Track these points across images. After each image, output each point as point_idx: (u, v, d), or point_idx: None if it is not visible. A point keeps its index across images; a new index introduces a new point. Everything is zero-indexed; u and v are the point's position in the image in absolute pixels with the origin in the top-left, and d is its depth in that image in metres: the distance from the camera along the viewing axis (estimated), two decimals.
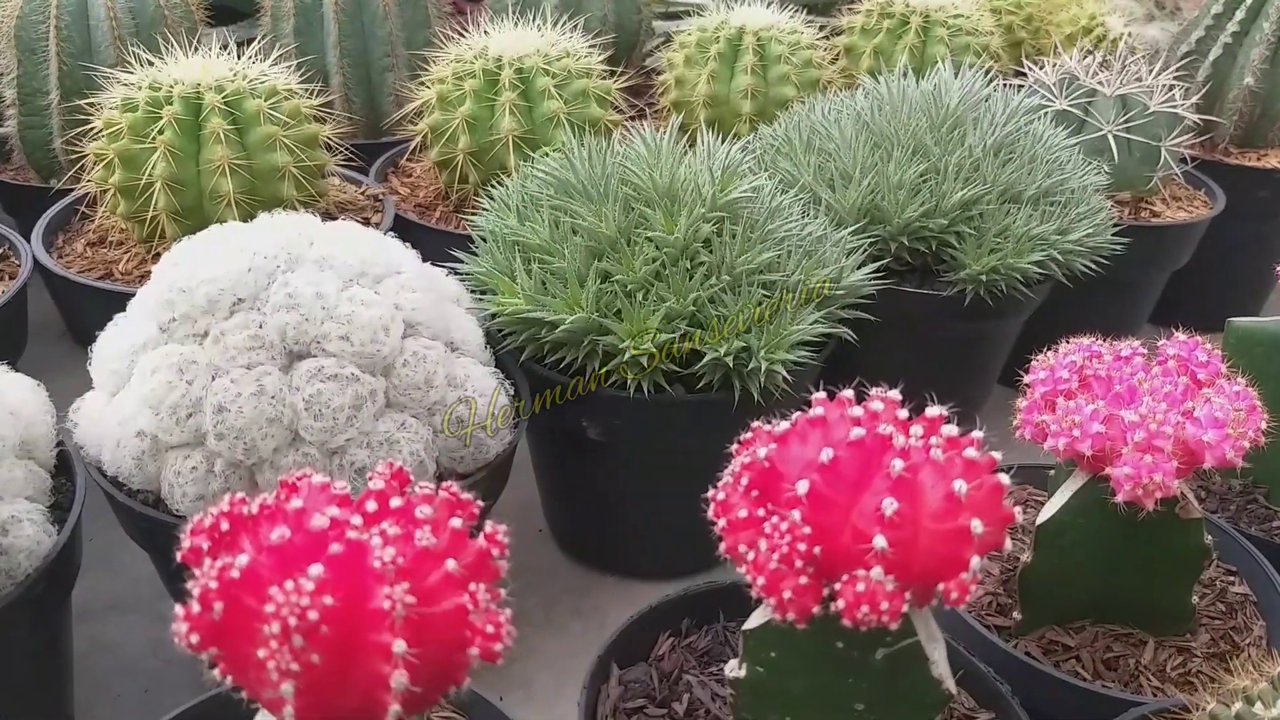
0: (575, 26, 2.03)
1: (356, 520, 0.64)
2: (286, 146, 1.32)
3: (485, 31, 1.57)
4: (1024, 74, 1.77)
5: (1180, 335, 0.94)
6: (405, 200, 1.61)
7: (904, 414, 0.73)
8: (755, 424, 0.75)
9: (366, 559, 0.60)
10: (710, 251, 1.16)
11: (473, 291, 1.21)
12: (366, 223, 1.49)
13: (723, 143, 1.29)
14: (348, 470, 0.93)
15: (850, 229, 1.33)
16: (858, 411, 0.70)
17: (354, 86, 1.81)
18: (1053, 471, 1.11)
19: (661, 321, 1.12)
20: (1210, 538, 0.93)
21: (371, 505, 0.66)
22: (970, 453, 0.68)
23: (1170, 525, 0.90)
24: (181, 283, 0.93)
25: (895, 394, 0.75)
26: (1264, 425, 0.86)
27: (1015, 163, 1.39)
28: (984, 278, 1.33)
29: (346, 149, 1.51)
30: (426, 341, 0.99)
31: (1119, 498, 0.84)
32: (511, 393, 1.08)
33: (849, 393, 0.74)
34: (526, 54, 1.50)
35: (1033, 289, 1.37)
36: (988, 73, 1.97)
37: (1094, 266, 1.41)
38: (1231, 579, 1.06)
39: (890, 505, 0.64)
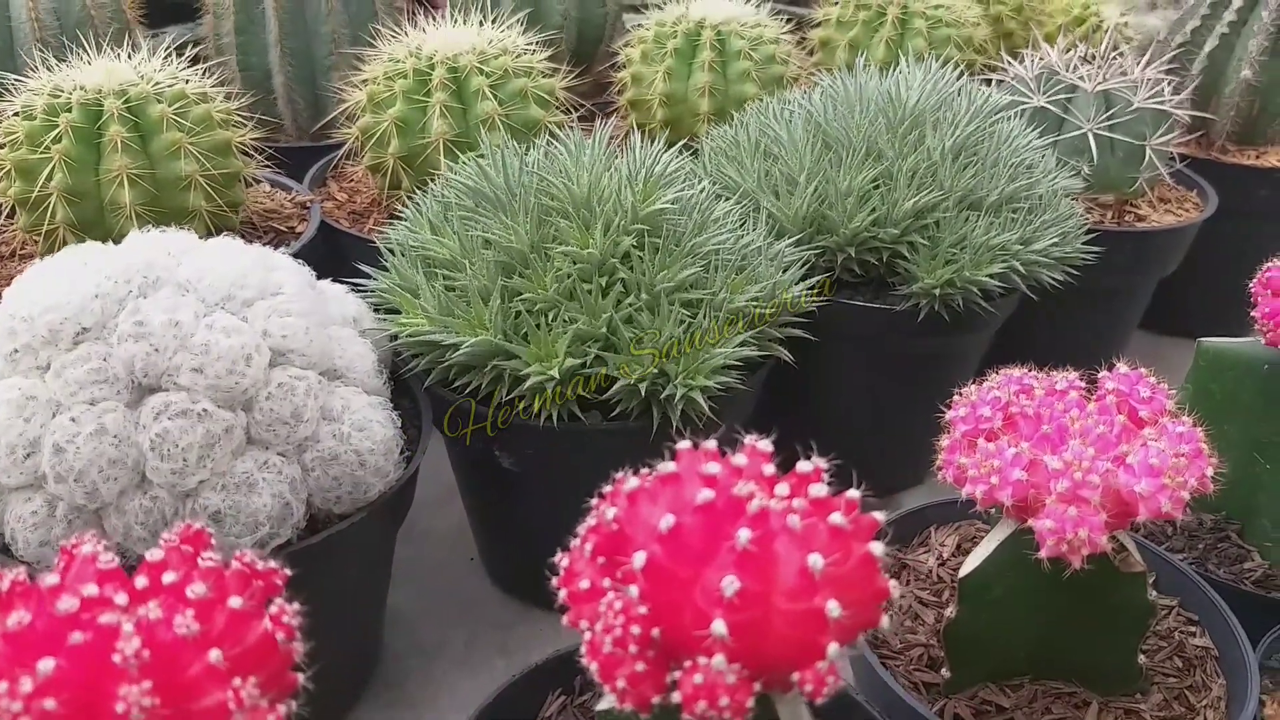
0: (536, 22, 1.95)
1: (121, 599, 0.56)
2: (193, 154, 1.24)
3: (422, 29, 1.48)
4: (1019, 63, 1.66)
5: (1122, 366, 0.84)
6: (340, 207, 1.53)
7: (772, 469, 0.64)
8: (619, 476, 0.67)
9: (113, 650, 0.52)
10: (630, 268, 1.07)
11: (377, 309, 1.13)
12: (291, 232, 1.41)
13: (676, 144, 1.20)
14: (201, 515, 0.85)
15: (793, 239, 1.24)
16: (713, 468, 0.61)
17: (297, 86, 1.73)
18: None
19: (571, 344, 1.03)
20: (1154, 594, 0.83)
21: (142, 581, 0.57)
22: (836, 519, 0.59)
23: (1108, 579, 0.80)
24: (24, 310, 0.86)
25: (766, 444, 0.66)
26: (1210, 471, 0.76)
27: (976, 166, 1.29)
28: (938, 291, 1.23)
29: (270, 153, 1.43)
30: (297, 371, 0.90)
31: (1042, 553, 0.74)
32: (399, 425, 0.99)
33: (711, 444, 0.65)
34: (461, 52, 1.42)
35: (995, 302, 1.27)
36: (967, 66, 1.87)
37: (1067, 277, 1.31)
38: (1192, 630, 0.96)
39: (731, 585, 0.55)
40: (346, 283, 1.15)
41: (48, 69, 1.28)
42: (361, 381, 0.98)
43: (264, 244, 1.38)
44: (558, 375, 1.00)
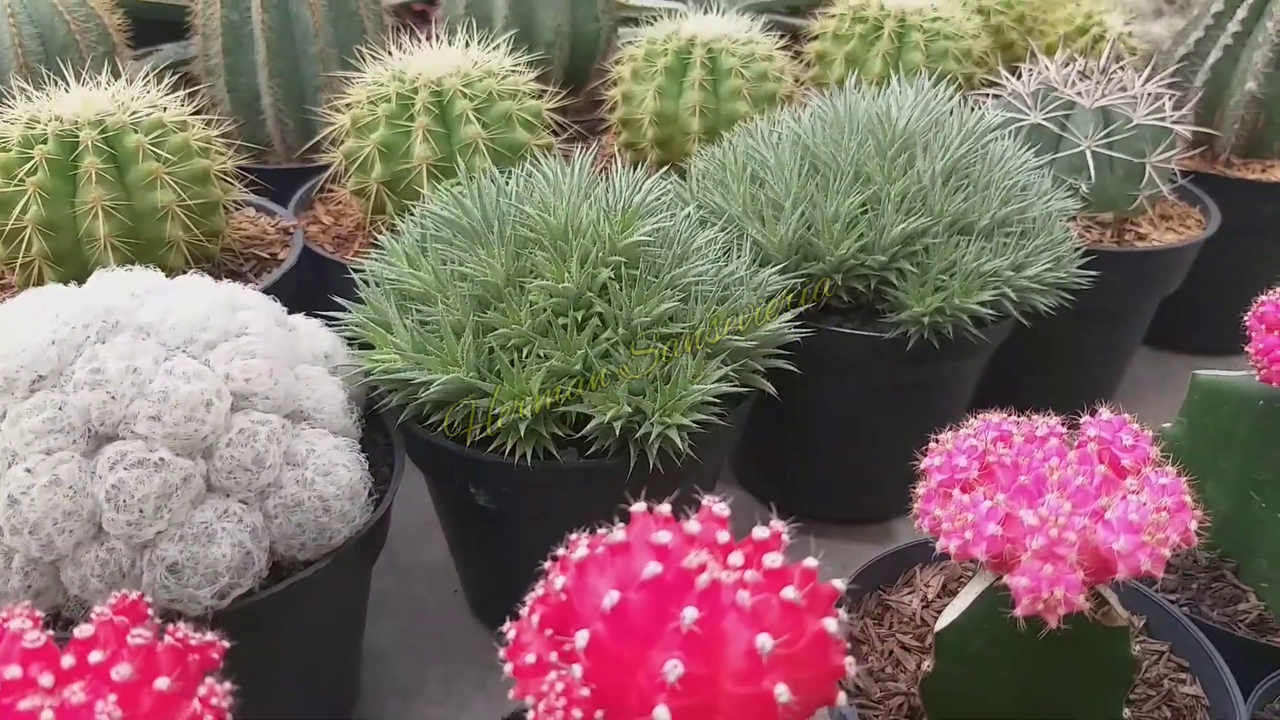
0: (527, 39, 1.93)
1: (47, 681, 0.54)
2: (170, 184, 1.22)
3: (408, 51, 1.46)
4: (1016, 79, 1.63)
5: (1105, 412, 0.81)
6: (325, 231, 1.52)
7: (725, 536, 0.62)
8: (576, 536, 0.65)
9: None
10: (608, 301, 1.05)
11: (351, 343, 1.11)
12: (273, 259, 1.40)
13: (667, 164, 1.18)
14: (159, 567, 0.83)
15: (779, 267, 1.21)
16: (663, 537, 0.59)
17: (285, 107, 1.72)
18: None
19: (545, 381, 1.01)
20: (1145, 639, 0.80)
21: (69, 660, 0.56)
22: (789, 594, 0.56)
23: (1090, 634, 0.77)
24: None
25: (723, 508, 0.63)
26: (1195, 525, 0.73)
27: (967, 190, 1.26)
28: (927, 319, 1.20)
29: (258, 175, 1.42)
30: (260, 416, 0.89)
31: (1018, 611, 0.71)
32: (367, 467, 0.97)
33: (665, 508, 0.62)
34: (445, 75, 1.40)
35: (988, 329, 1.24)
36: (966, 79, 1.84)
37: (1063, 300, 1.28)
38: (1182, 677, 0.93)
39: (674, 669, 0.53)
40: (322, 316, 1.14)
41: (27, 97, 1.27)
42: (329, 422, 0.96)
43: (246, 271, 1.37)
44: (529, 415, 0.98)
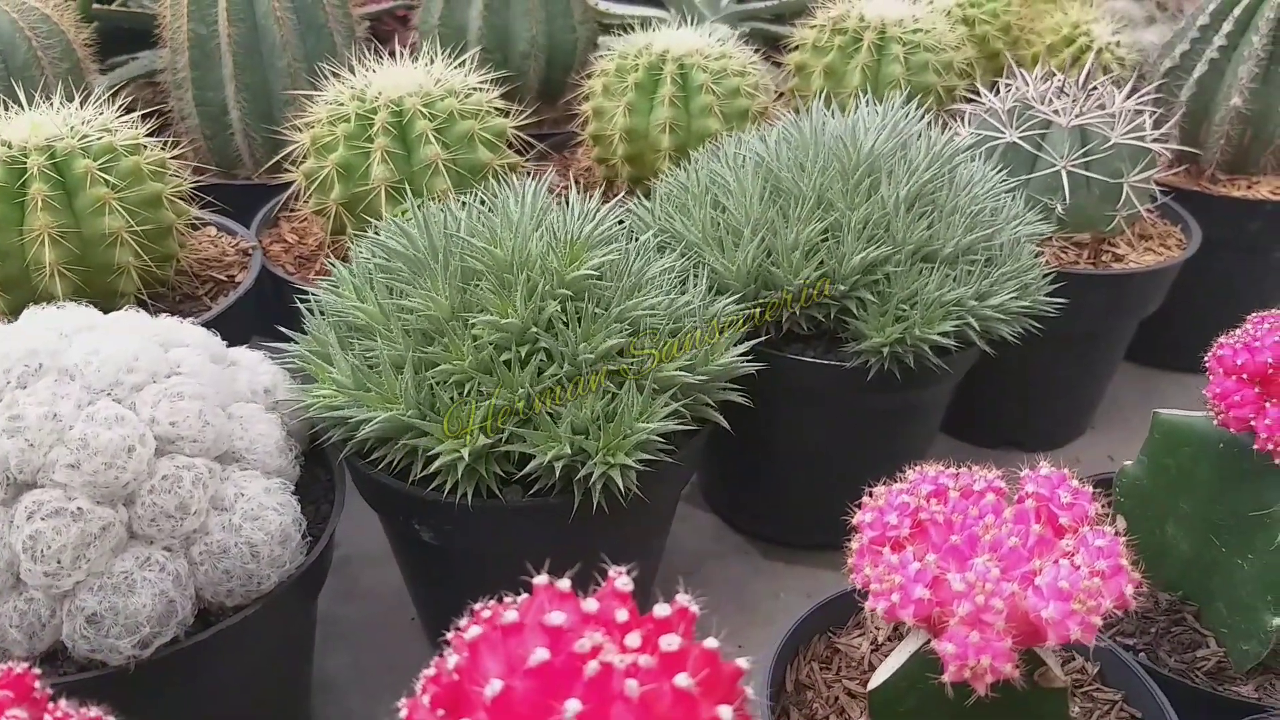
0: (501, 49, 1.90)
1: None
2: (119, 210, 1.21)
3: (372, 68, 1.44)
4: (994, 95, 1.60)
5: (1044, 465, 0.78)
6: (287, 251, 1.50)
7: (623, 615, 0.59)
8: (479, 608, 0.62)
9: None
10: (554, 336, 1.03)
11: (297, 375, 1.09)
12: (230, 281, 1.38)
13: (639, 181, 1.15)
14: (78, 618, 0.81)
15: (737, 296, 1.19)
16: (556, 619, 0.56)
17: (253, 122, 1.70)
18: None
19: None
20: (1077, 708, 0.78)
21: None
22: (682, 681, 0.54)
23: (1027, 695, 0.75)
24: None
25: (625, 583, 0.61)
26: (1131, 589, 0.71)
27: (932, 216, 1.23)
28: (887, 350, 1.17)
29: (221, 191, 1.40)
30: (185, 460, 0.87)
31: (945, 677, 0.69)
32: (299, 510, 0.95)
33: (565, 583, 0.60)
34: (405, 94, 1.37)
35: (952, 357, 1.22)
36: (947, 92, 1.80)
37: (1029, 328, 1.25)
38: None
39: None
40: (266, 348, 1.12)
41: None
42: (262, 463, 0.94)
43: (202, 294, 1.35)
44: (467, 456, 0.96)
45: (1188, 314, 1.63)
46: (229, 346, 1.23)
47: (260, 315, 1.44)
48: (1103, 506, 1.21)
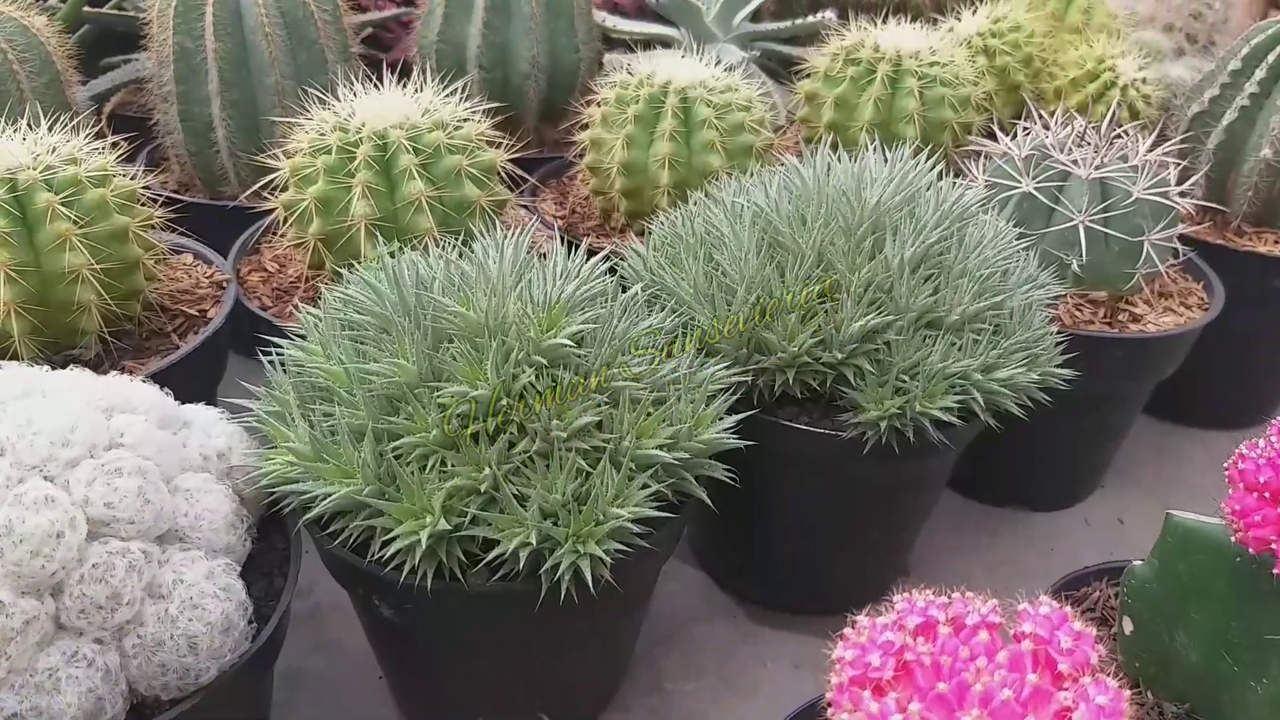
0: (501, 68, 1.84)
1: None
2: (80, 246, 1.15)
3: (354, 94, 1.37)
4: (1011, 139, 1.53)
5: (1045, 600, 0.71)
6: (266, 281, 1.44)
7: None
8: None
9: None
10: (526, 407, 0.96)
11: (256, 435, 1.03)
12: (202, 316, 1.32)
13: (636, 218, 1.08)
14: None
15: (728, 360, 1.12)
16: None
17: (239, 140, 1.64)
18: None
19: (448, 499, 0.92)
20: None
21: None
22: None
23: None
24: None
25: None
26: None
27: (938, 279, 1.16)
28: (885, 423, 1.11)
29: (187, 218, 1.34)
30: (118, 545, 0.81)
31: None
32: (245, 593, 0.89)
33: None
34: (390, 126, 1.31)
35: (954, 430, 1.15)
36: (964, 129, 1.73)
37: (1038, 401, 1.18)
38: None
39: None
40: (225, 404, 1.06)
41: None
42: (207, 540, 0.88)
43: (171, 331, 1.29)
44: (425, 540, 0.90)
45: (1207, 369, 1.56)
46: (202, 387, 1.18)
47: (235, 348, 1.38)
48: (1110, 600, 1.15)
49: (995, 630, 0.70)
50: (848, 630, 0.72)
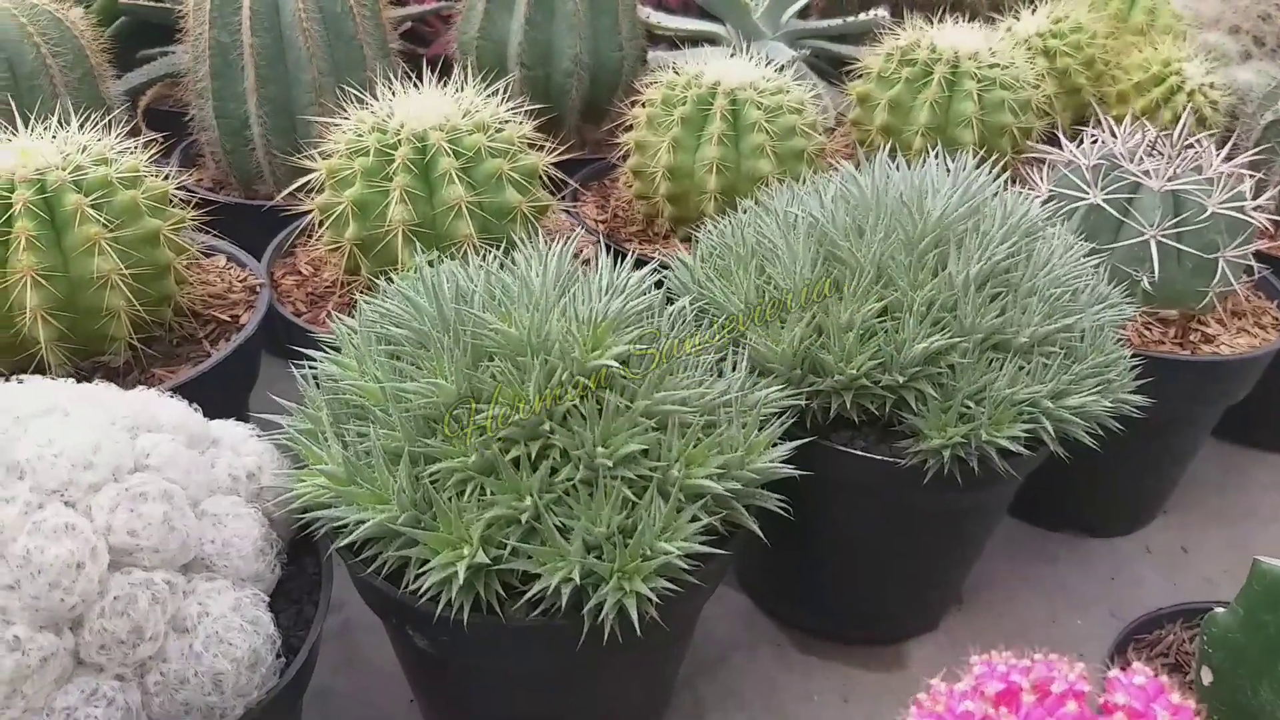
0: (543, 66, 1.78)
1: None
2: (110, 250, 1.11)
3: (395, 94, 1.32)
4: (1084, 128, 1.45)
5: (1140, 669, 0.65)
6: (301, 285, 1.39)
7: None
8: None
9: None
10: (570, 431, 0.91)
11: (287, 453, 0.99)
12: (234, 322, 1.28)
13: (681, 224, 1.02)
14: None
15: (779, 381, 1.06)
16: None
17: (275, 138, 1.60)
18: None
19: (487, 529, 0.87)
20: None
21: None
22: None
23: None
24: None
25: None
26: None
27: (1005, 299, 1.09)
28: (948, 452, 1.05)
29: (208, 230, 1.29)
30: (142, 576, 0.77)
31: None
32: (273, 626, 0.85)
33: None
34: (430, 127, 1.26)
35: (1019, 459, 1.08)
36: (1024, 133, 1.66)
37: (1106, 427, 1.11)
38: None
39: None
40: (256, 419, 1.02)
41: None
42: (234, 568, 0.84)
43: (202, 337, 1.25)
44: (463, 573, 0.85)
45: (1274, 390, 1.48)
46: (234, 395, 1.14)
47: (267, 354, 1.34)
48: (1185, 644, 1.08)
49: (1081, 699, 0.64)
50: (922, 697, 0.66)
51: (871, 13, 1.99)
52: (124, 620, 0.75)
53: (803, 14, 2.10)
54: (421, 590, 0.89)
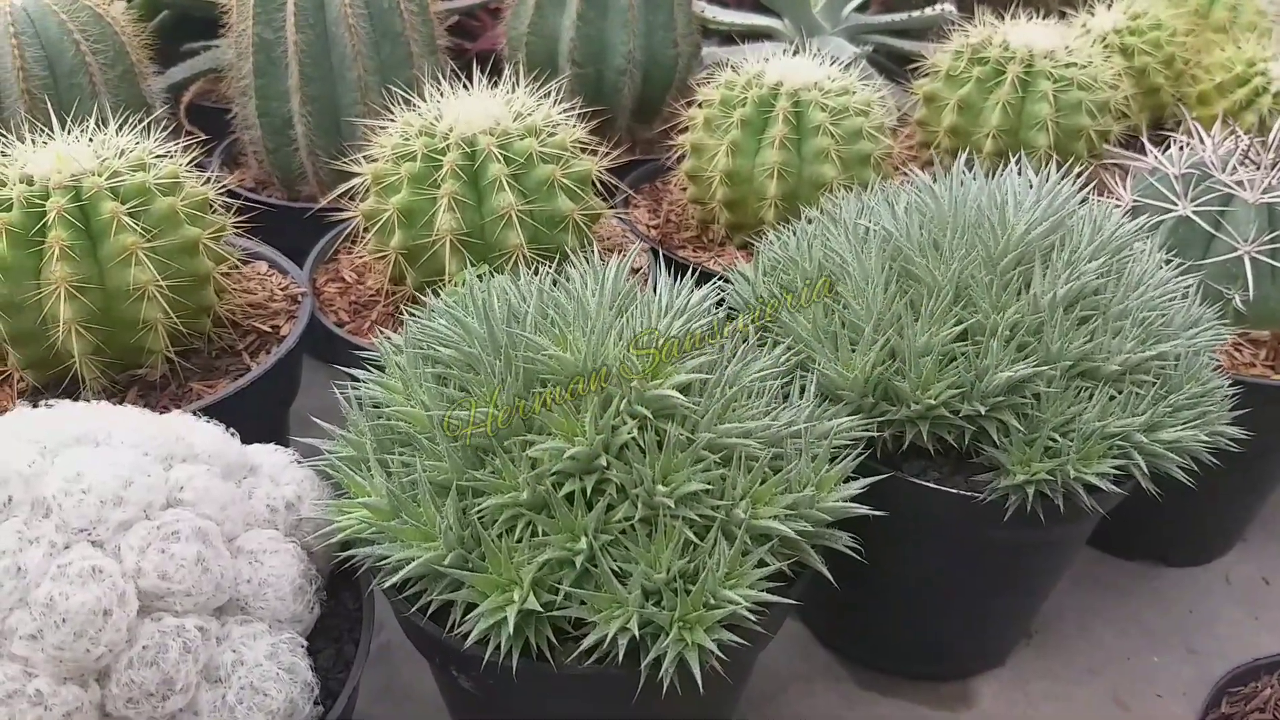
0: (595, 64, 1.72)
1: None
2: (147, 261, 1.06)
3: (444, 95, 1.27)
4: (1164, 131, 1.37)
5: None
6: (342, 294, 1.34)
7: None
8: None
9: None
10: (627, 465, 0.85)
11: (328, 481, 0.94)
12: (274, 333, 1.23)
13: (738, 232, 0.95)
14: None
15: (850, 409, 1.00)
16: None
17: (319, 138, 1.55)
18: None
19: (539, 571, 0.82)
20: None
21: None
22: None
23: None
24: None
25: None
26: None
27: (1094, 322, 1.02)
28: (1032, 489, 0.97)
29: (243, 233, 1.24)
30: (174, 622, 0.72)
31: None
32: (311, 672, 0.79)
33: None
34: (479, 131, 1.20)
35: (1104, 495, 1.01)
36: (1101, 137, 1.57)
37: (1200, 460, 1.03)
38: None
39: None
40: (298, 444, 0.97)
41: (2, 149, 1.11)
42: (271, 610, 0.79)
43: (242, 349, 1.20)
44: (513, 620, 0.79)
45: None
46: (273, 409, 1.10)
47: (309, 364, 1.30)
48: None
49: None
50: None
51: (938, 7, 1.90)
52: (153, 671, 0.70)
53: (862, 8, 2.02)
54: (468, 633, 0.83)
